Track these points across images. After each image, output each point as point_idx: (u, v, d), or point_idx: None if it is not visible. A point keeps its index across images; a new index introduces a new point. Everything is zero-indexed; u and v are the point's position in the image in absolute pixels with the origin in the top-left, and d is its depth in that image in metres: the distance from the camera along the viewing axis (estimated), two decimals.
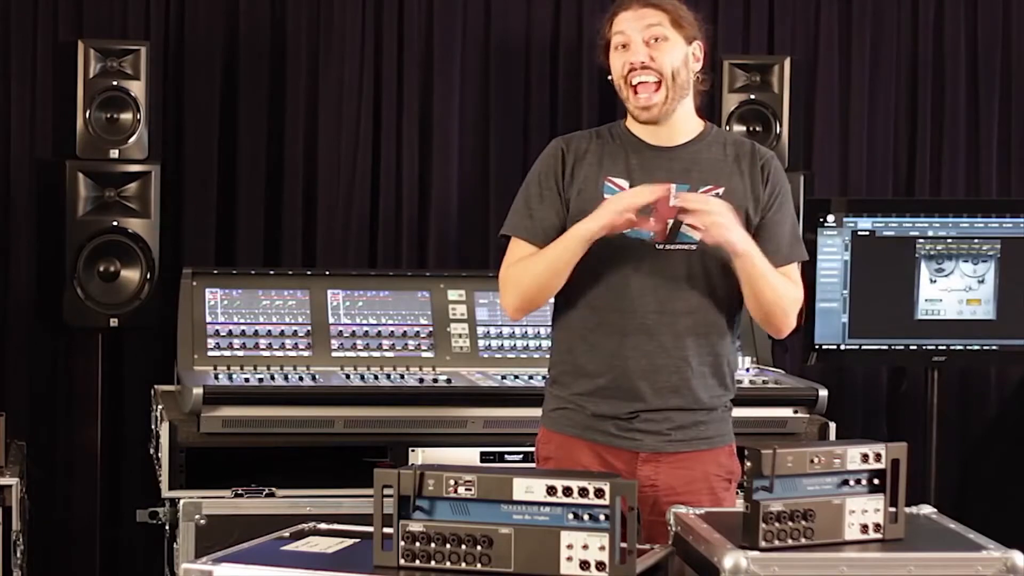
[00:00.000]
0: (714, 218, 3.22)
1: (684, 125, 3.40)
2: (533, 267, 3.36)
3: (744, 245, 3.26)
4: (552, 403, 3.45)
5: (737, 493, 3.41)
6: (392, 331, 4.64)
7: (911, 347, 5.20)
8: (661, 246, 3.32)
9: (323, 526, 3.10)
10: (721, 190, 3.35)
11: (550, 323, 3.50)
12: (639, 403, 3.33)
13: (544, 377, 4.48)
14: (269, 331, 4.58)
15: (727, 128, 5.15)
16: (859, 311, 5.13)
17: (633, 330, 3.31)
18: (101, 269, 4.88)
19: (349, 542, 2.99)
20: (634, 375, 3.32)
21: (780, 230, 3.41)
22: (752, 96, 5.25)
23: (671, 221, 3.31)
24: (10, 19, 5.28)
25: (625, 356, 3.32)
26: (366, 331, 4.63)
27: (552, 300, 3.44)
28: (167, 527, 4.18)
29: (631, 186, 3.33)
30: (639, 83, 3.32)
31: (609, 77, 3.40)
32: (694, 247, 3.32)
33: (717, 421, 3.40)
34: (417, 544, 2.76)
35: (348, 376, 4.42)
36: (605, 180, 3.36)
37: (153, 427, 4.49)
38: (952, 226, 5.17)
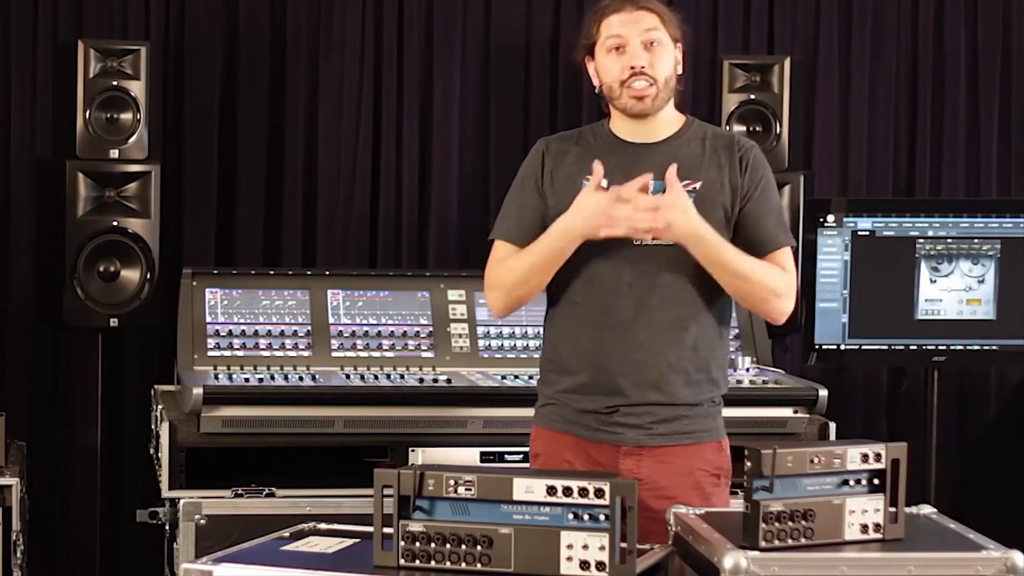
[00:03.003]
0: (665, 218, 3.21)
1: (664, 122, 3.43)
2: (517, 264, 3.42)
3: (691, 230, 3.25)
4: (540, 400, 3.50)
5: (737, 493, 3.42)
6: (392, 331, 4.64)
7: (911, 347, 5.20)
8: (638, 242, 3.33)
9: (323, 526, 3.10)
10: (697, 184, 3.36)
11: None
12: (619, 398, 3.35)
13: None
14: (269, 331, 4.58)
15: (727, 128, 5.14)
16: (859, 311, 5.13)
17: (610, 326, 3.33)
18: (101, 269, 4.87)
19: (349, 542, 3.00)
20: (613, 371, 3.34)
21: (762, 218, 3.41)
22: (752, 96, 5.25)
23: None
24: (10, 19, 5.28)
25: (604, 352, 3.34)
26: (366, 331, 4.63)
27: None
28: (167, 527, 4.18)
29: (608, 185, 3.33)
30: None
31: (596, 88, 3.42)
32: (671, 242, 3.33)
33: (702, 416, 3.41)
34: (417, 544, 2.76)
35: (348, 376, 4.42)
36: (583, 181, 3.37)
37: (153, 427, 4.49)
38: (952, 226, 5.17)
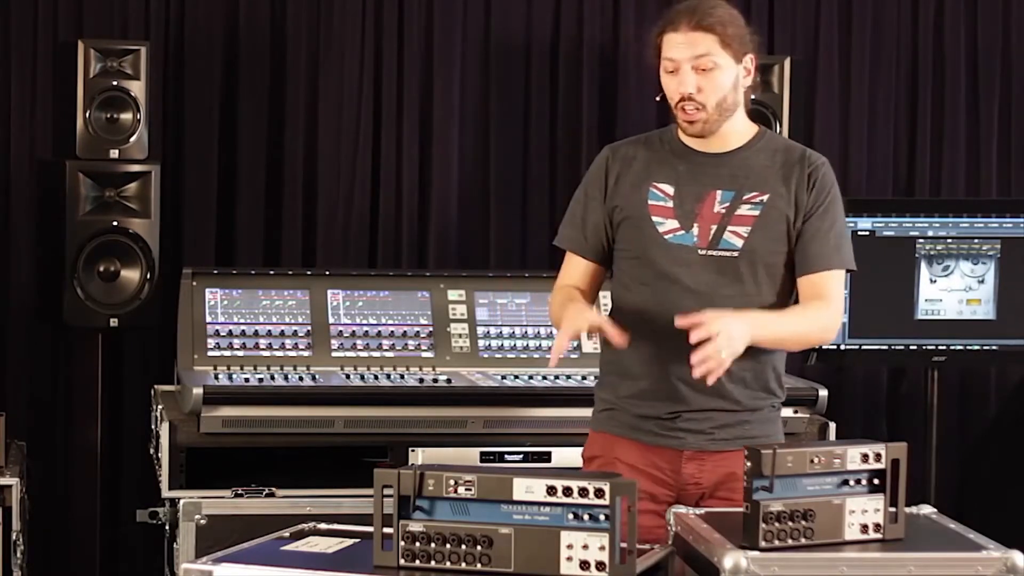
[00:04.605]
0: (719, 356, 3.16)
1: (734, 133, 3.40)
2: (553, 306, 3.45)
3: (751, 336, 3.23)
4: (599, 405, 3.49)
5: None
6: (392, 331, 4.64)
7: (911, 347, 5.20)
8: (704, 251, 3.34)
9: (323, 526, 3.10)
10: (764, 197, 3.36)
11: (551, 323, 3.54)
12: (680, 404, 3.36)
13: (544, 377, 4.48)
14: (269, 331, 4.58)
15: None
16: (859, 311, 5.13)
17: (672, 333, 3.29)
18: (101, 269, 4.87)
19: (349, 542, 3.00)
20: (674, 378, 3.33)
21: (823, 236, 3.39)
22: (752, 96, 5.23)
23: (714, 227, 3.33)
24: (10, 19, 5.28)
25: (665, 360, 3.33)
26: (366, 331, 4.63)
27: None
28: (167, 527, 4.18)
29: (676, 192, 3.35)
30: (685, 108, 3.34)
31: (658, 96, 3.41)
32: (736, 253, 3.33)
33: (762, 422, 3.41)
34: (417, 544, 2.76)
35: (348, 376, 4.42)
36: (651, 186, 3.38)
37: (153, 427, 4.49)
38: (952, 226, 5.17)
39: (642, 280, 3.38)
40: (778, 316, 3.37)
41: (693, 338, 3.14)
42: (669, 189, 3.37)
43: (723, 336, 3.13)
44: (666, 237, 3.35)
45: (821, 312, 3.39)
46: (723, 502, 3.26)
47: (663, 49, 3.35)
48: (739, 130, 3.41)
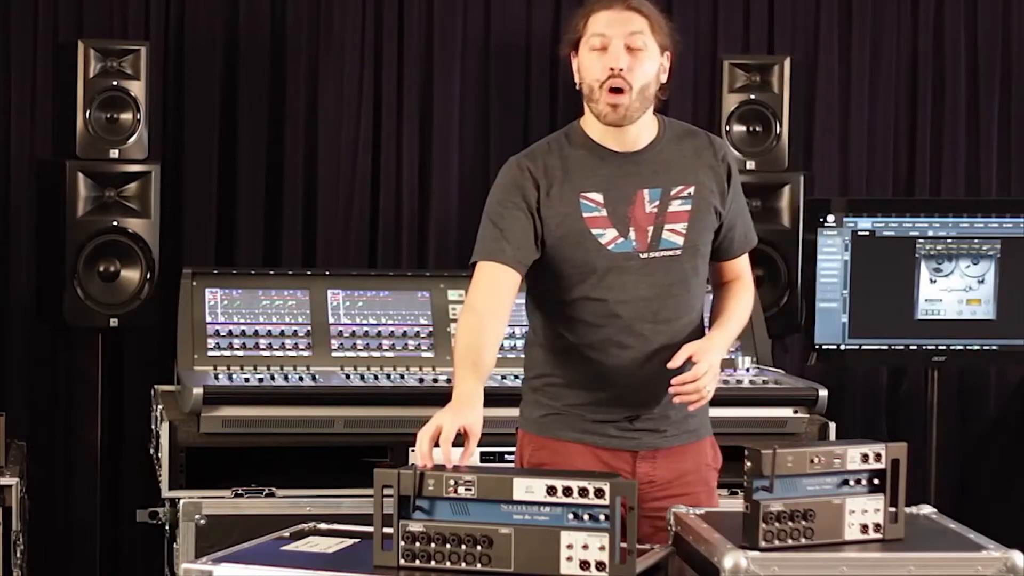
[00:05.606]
0: (704, 391, 3.22)
1: (644, 129, 3.36)
2: (458, 344, 3.35)
3: (725, 349, 3.33)
4: (541, 409, 3.42)
5: (736, 493, 3.42)
6: (392, 331, 4.64)
7: (911, 347, 5.20)
8: (645, 255, 3.31)
9: (323, 526, 3.10)
10: (691, 189, 3.35)
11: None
12: (640, 408, 3.35)
13: None
14: (269, 331, 4.58)
15: (727, 129, 5.15)
16: (859, 311, 5.13)
17: (631, 343, 3.31)
18: (101, 269, 4.88)
19: (349, 542, 3.00)
20: (636, 386, 3.33)
21: (740, 220, 3.45)
22: (752, 96, 5.25)
23: (650, 228, 3.31)
24: (10, 19, 5.29)
25: (626, 369, 3.32)
26: (366, 331, 4.63)
27: (526, 314, 3.46)
28: (167, 527, 4.18)
29: (606, 199, 3.32)
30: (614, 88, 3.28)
31: (576, 83, 3.34)
32: (679, 251, 3.33)
33: (699, 414, 3.42)
34: (417, 544, 2.77)
35: (348, 376, 4.42)
36: (580, 198, 3.32)
37: (153, 427, 4.49)
38: (952, 226, 5.17)
39: (589, 295, 3.31)
40: (732, 323, 3.41)
41: (677, 381, 3.20)
42: (598, 197, 3.31)
43: (710, 375, 3.20)
44: (609, 248, 3.30)
45: (748, 293, 3.48)
46: (679, 499, 3.26)
47: (590, 26, 3.28)
48: (647, 124, 3.37)
